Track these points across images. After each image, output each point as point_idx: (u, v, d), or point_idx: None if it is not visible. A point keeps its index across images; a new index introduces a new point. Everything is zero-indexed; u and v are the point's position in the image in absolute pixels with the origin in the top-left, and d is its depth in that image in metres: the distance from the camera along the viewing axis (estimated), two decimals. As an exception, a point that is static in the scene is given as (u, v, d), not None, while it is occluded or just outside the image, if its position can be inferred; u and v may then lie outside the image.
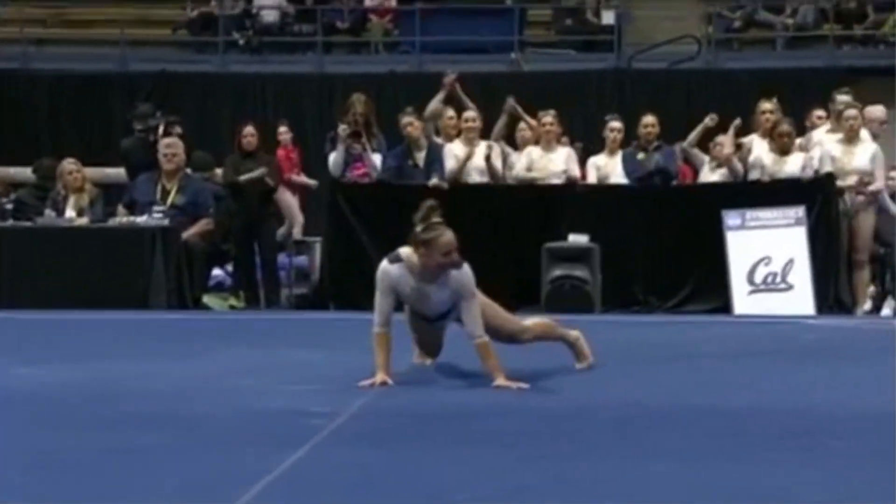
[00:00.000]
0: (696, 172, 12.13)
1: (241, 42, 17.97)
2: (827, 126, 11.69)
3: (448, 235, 6.69)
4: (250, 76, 17.17)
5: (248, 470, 4.44)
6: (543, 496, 4.18)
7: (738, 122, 11.47)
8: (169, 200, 11.67)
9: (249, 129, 12.40)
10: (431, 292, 6.75)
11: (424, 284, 6.74)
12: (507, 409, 5.95)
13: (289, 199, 13.41)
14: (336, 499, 4.14)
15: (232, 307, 12.01)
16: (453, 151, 11.72)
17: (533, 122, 11.89)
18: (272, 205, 12.46)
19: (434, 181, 11.38)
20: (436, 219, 6.75)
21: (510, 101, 12.10)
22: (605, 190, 11.64)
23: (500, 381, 6.41)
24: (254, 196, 12.14)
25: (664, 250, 11.33)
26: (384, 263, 6.89)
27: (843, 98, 11.64)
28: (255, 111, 15.20)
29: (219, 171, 12.89)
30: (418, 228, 6.70)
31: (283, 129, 13.67)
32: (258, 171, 12.07)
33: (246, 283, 12.23)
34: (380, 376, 6.51)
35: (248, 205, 12.13)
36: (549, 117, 11.72)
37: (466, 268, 6.73)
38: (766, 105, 11.57)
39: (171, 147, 11.87)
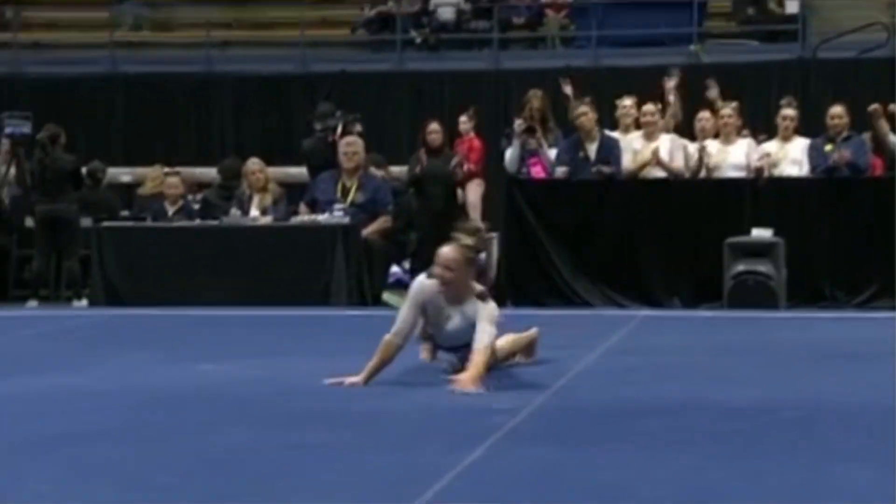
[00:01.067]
0: (887, 165, 11.69)
1: (419, 40, 18.12)
2: None
3: (445, 249, 6.59)
4: (427, 74, 17.28)
5: (429, 467, 4.45)
6: (730, 497, 4.11)
7: (875, 106, 11.05)
8: (349, 198, 11.80)
9: (434, 126, 12.46)
10: (451, 317, 6.64)
11: (448, 307, 6.63)
12: (688, 405, 5.88)
13: (473, 195, 13.25)
14: (517, 496, 4.13)
15: (407, 304, 12.08)
16: (631, 144, 11.58)
17: (584, 105, 11.59)
18: (455, 200, 12.44)
19: (600, 168, 11.27)
20: (468, 238, 6.60)
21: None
22: (788, 182, 11.34)
23: (464, 379, 6.22)
24: (437, 192, 12.20)
25: (851, 244, 10.98)
26: (421, 276, 6.79)
27: None
28: (432, 109, 15.28)
29: (393, 168, 12.99)
30: None
31: (463, 118, 13.54)
32: (456, 159, 12.06)
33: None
34: (356, 378, 6.40)
35: (432, 201, 12.22)
36: (728, 109, 11.49)
37: (492, 304, 6.66)
38: None
39: (351, 146, 12.01)
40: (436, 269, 6.54)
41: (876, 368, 7.26)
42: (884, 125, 11.26)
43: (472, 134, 13.32)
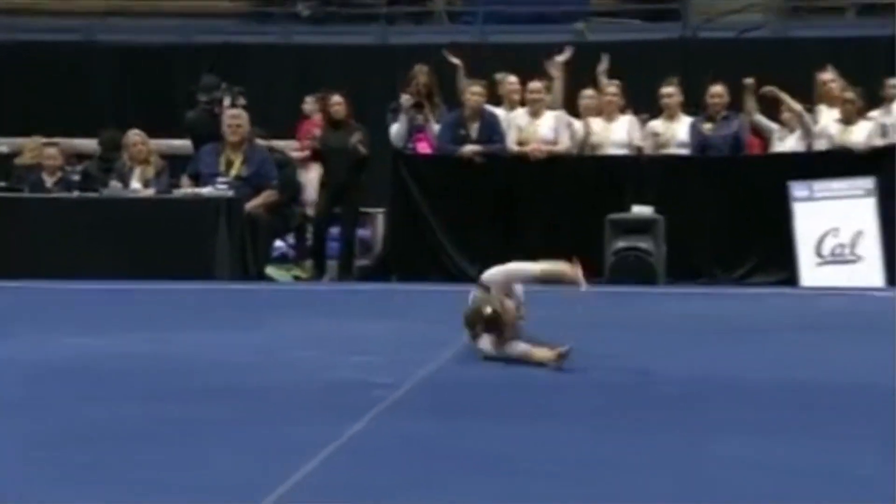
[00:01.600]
0: (764, 144, 11.95)
1: (305, 13, 17.97)
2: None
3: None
4: (313, 47, 17.15)
5: (311, 440, 4.45)
6: (617, 468, 4.19)
7: (749, 81, 11.29)
8: (233, 172, 11.69)
9: (337, 98, 12.33)
10: None
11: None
12: (571, 382, 5.95)
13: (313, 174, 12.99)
14: (396, 467, 4.17)
15: (296, 278, 12.05)
16: (516, 121, 11.66)
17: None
18: (360, 175, 12.39)
19: (468, 148, 11.34)
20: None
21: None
22: (669, 160, 11.52)
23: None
24: (342, 165, 12.15)
25: (730, 221, 11.19)
26: None
27: None
28: (317, 82, 15.16)
29: (277, 142, 12.87)
30: None
31: (309, 99, 13.27)
32: (355, 137, 12.02)
33: (318, 252, 12.27)
34: None
35: (336, 174, 12.15)
36: (612, 87, 11.63)
37: None
38: (826, 75, 11.41)
39: (235, 118, 11.88)
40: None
41: (752, 342, 7.46)
42: (752, 101, 11.49)
43: (317, 116, 13.08)
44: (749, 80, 11.35)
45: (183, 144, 13.11)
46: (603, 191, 11.29)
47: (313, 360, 6.55)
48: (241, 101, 12.30)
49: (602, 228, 11.00)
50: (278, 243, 12.62)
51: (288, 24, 17.65)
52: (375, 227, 12.80)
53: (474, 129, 11.58)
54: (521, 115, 11.69)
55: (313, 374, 6.08)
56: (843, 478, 4.06)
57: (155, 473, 4.10)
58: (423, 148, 11.84)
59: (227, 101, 12.23)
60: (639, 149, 11.45)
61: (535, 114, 11.62)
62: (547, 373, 6.13)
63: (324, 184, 12.25)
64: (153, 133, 12.77)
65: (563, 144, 11.54)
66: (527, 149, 11.48)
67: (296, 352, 6.81)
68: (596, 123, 11.60)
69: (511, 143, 11.60)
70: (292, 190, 12.39)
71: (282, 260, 12.61)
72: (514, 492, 3.87)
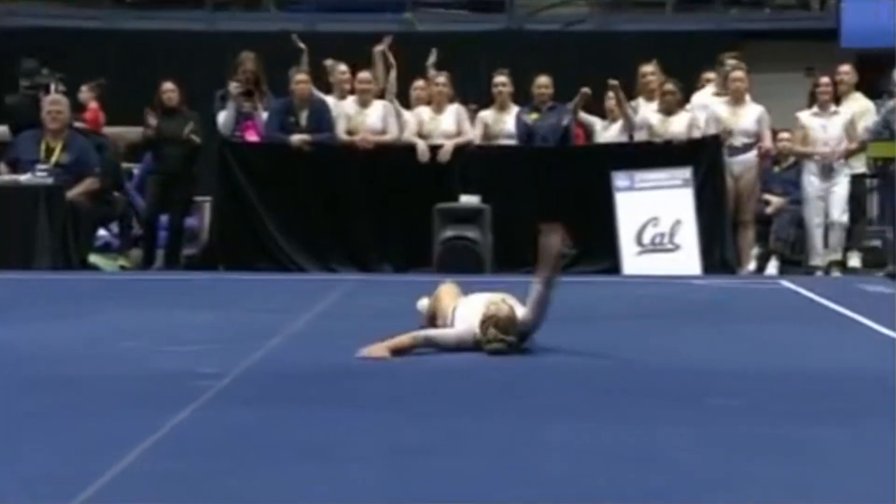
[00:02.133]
0: (587, 135, 12.20)
1: (129, -3, 17.66)
2: (712, 88, 11.85)
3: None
4: (138, 33, 16.85)
5: (132, 431, 4.41)
6: (430, 454, 4.21)
7: (586, 90, 11.57)
8: (53, 159, 11.47)
9: (169, 85, 12.15)
10: None
11: None
12: (395, 367, 5.99)
13: None
14: (219, 457, 4.15)
15: (122, 267, 11.87)
16: (345, 110, 11.66)
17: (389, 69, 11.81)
18: (192, 164, 12.23)
19: (297, 137, 11.33)
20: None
21: (386, 40, 12.16)
22: (495, 151, 11.67)
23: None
24: (173, 154, 11.95)
25: (554, 211, 11.26)
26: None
27: (731, 62, 11.81)
28: (143, 68, 14.91)
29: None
30: None
31: (84, 88, 12.95)
32: (188, 127, 11.86)
33: (148, 241, 12.09)
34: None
35: (167, 162, 11.95)
36: (441, 78, 11.73)
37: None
38: (647, 68, 11.71)
39: (55, 104, 11.66)
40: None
41: (575, 329, 7.47)
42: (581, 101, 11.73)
43: (94, 104, 12.80)
44: (613, 82, 11.49)
45: (1, 130, 12.76)
46: (432, 180, 11.37)
47: (137, 350, 6.46)
48: (61, 87, 12.04)
49: (431, 218, 11.09)
50: (102, 232, 12.41)
51: (113, 9, 17.31)
52: (203, 216, 12.69)
53: (303, 116, 11.56)
54: (350, 104, 11.70)
55: (137, 365, 5.97)
56: (659, 461, 4.14)
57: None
58: (251, 136, 11.77)
59: (52, 87, 11.96)
60: (469, 139, 11.58)
61: (364, 103, 11.65)
62: (372, 361, 6.15)
63: (154, 171, 12.04)
64: (-31, 119, 12.44)
65: (392, 134, 11.60)
66: (356, 138, 11.50)
67: (119, 342, 6.72)
68: (425, 113, 11.68)
69: (340, 133, 11.60)
70: (115, 177, 12.17)
71: (105, 249, 12.39)
72: (329, 477, 3.88)
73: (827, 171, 11.41)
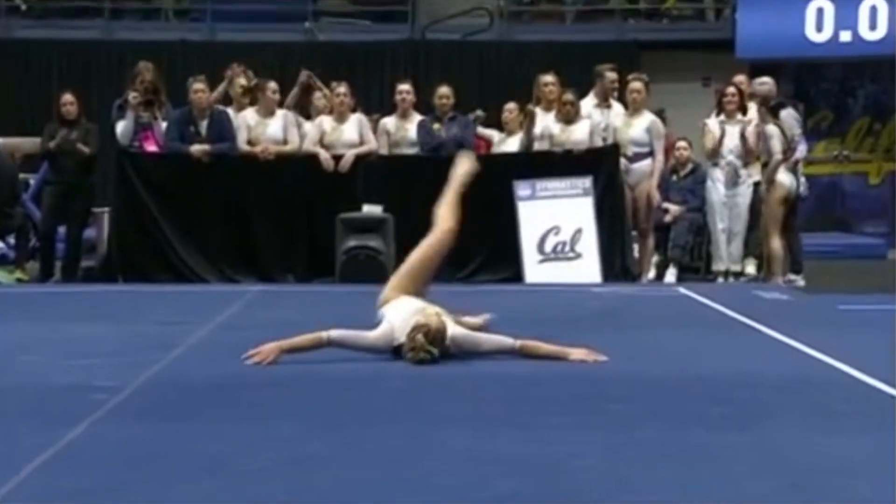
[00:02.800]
0: (488, 145, 12.28)
1: (24, 7, 17.46)
2: (592, 99, 11.95)
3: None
4: (35, 42, 16.66)
5: (24, 447, 4.39)
6: (329, 464, 4.23)
7: (479, 112, 11.68)
8: (-52, 171, 11.29)
9: (68, 97, 12.02)
10: None
11: None
12: (295, 378, 5.98)
13: None
14: (115, 474, 4.10)
15: (19, 280, 11.72)
16: (246, 121, 11.63)
17: (328, 91, 11.90)
18: (89, 175, 12.10)
19: (196, 147, 11.29)
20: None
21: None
22: (398, 160, 11.70)
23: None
24: (70, 165, 11.81)
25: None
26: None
27: (609, 74, 11.98)
28: (40, 79, 14.77)
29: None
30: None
31: None
32: (60, 135, 11.75)
33: (43, 254, 11.94)
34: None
35: (64, 173, 11.81)
36: (342, 88, 11.73)
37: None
38: (547, 77, 11.83)
39: (-51, 115, 11.47)
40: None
41: None
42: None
43: None
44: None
45: None
46: (334, 190, 11.36)
47: (32, 364, 6.41)
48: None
49: (334, 227, 11.08)
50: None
51: (8, 17, 17.09)
52: (101, 227, 12.55)
53: (203, 126, 11.49)
54: (250, 114, 11.66)
55: (31, 379, 5.92)
56: (559, 467, 4.18)
57: None
58: (150, 146, 11.68)
59: None
60: (371, 148, 11.60)
61: (266, 113, 11.61)
62: (278, 370, 6.17)
63: (51, 182, 11.95)
64: None
65: (293, 144, 11.58)
66: (256, 149, 11.45)
67: (13, 356, 6.65)
68: (327, 123, 11.68)
69: (241, 143, 11.55)
70: (13, 189, 11.98)
71: (1, 261, 12.21)
72: (228, 490, 3.90)
73: (733, 179, 11.54)
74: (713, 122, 11.67)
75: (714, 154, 11.58)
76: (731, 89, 11.68)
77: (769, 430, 4.79)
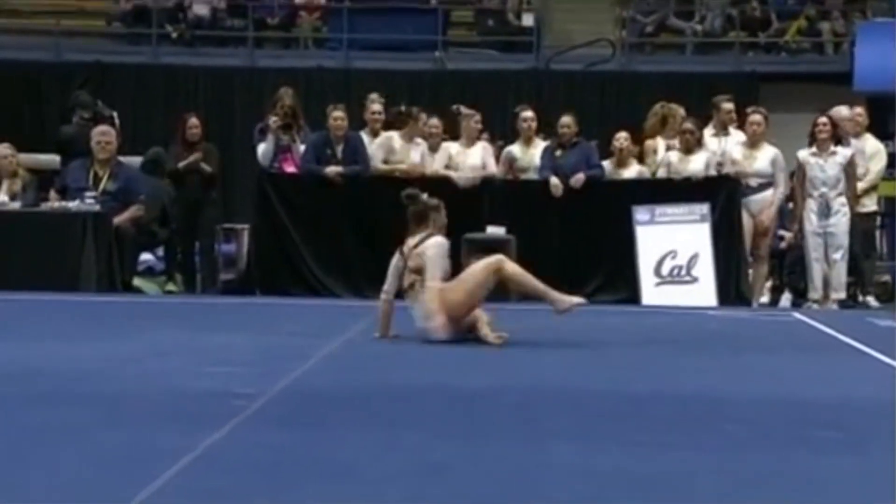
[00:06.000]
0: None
1: (174, 35, 18.19)
2: (710, 130, 12.16)
3: None
4: (182, 68, 17.35)
5: (168, 448, 4.48)
6: (449, 473, 4.30)
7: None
8: (101, 187, 11.89)
9: (194, 121, 12.75)
10: None
11: None
12: (421, 390, 6.16)
13: None
14: (253, 477, 4.18)
15: (169, 292, 12.23)
16: (391, 143, 12.01)
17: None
18: (213, 191, 12.79)
19: (331, 169, 11.75)
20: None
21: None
22: (521, 184, 12.07)
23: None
24: (194, 183, 12.47)
25: (577, 243, 11.71)
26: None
27: (726, 105, 12.15)
28: (186, 103, 15.40)
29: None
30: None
31: None
32: (193, 157, 12.45)
33: (185, 267, 12.55)
34: None
35: (189, 192, 12.46)
36: (476, 116, 12.17)
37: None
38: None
39: (104, 135, 12.11)
40: None
41: (590, 356, 7.79)
42: None
43: None
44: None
45: (50, 159, 13.27)
46: (459, 211, 11.73)
47: (174, 369, 6.54)
48: (115, 118, 12.57)
49: (459, 247, 11.46)
50: (145, 256, 12.84)
51: (158, 45, 17.83)
52: (241, 243, 13.08)
53: (339, 150, 11.99)
54: (396, 138, 12.05)
55: (174, 384, 6.04)
56: (664, 484, 4.22)
57: (7, 478, 4.08)
58: (289, 167, 12.17)
59: (115, 120, 12.48)
60: (492, 173, 12.00)
61: (408, 138, 12.05)
62: (404, 383, 6.36)
63: (179, 200, 12.55)
64: (22, 148, 12.93)
65: (431, 168, 12.00)
66: (399, 167, 11.82)
67: (156, 361, 6.80)
68: (453, 148, 12.11)
69: (378, 163, 11.97)
70: (162, 209, 12.51)
71: (148, 273, 12.83)
72: (351, 496, 3.97)
73: (824, 210, 11.61)
74: (804, 155, 11.67)
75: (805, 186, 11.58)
76: (823, 119, 11.62)
77: (880, 455, 4.74)
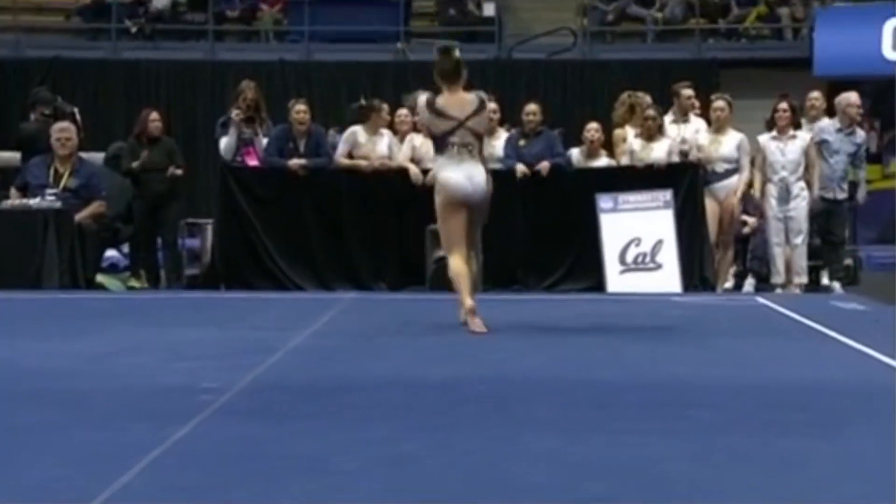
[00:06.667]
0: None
1: (134, 29, 18.11)
2: (671, 116, 12.25)
3: None
4: (143, 63, 17.29)
5: (135, 445, 4.50)
6: (421, 464, 4.33)
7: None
8: (62, 184, 11.83)
9: (154, 115, 12.70)
10: None
11: None
12: (389, 381, 6.14)
13: None
14: (221, 472, 4.19)
15: (131, 288, 12.20)
16: (356, 137, 12.01)
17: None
18: (177, 187, 12.73)
19: (295, 161, 11.73)
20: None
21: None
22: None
23: None
24: (157, 179, 12.41)
25: (542, 232, 11.77)
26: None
27: (686, 91, 12.25)
28: (147, 97, 15.35)
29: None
30: None
31: None
32: (142, 156, 12.40)
33: (148, 263, 12.50)
34: None
35: (152, 187, 12.40)
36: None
37: None
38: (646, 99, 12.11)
39: (65, 132, 12.04)
40: None
41: (559, 344, 7.79)
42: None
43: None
44: None
45: (11, 157, 13.18)
46: (424, 202, 11.74)
47: (139, 365, 6.53)
48: (76, 114, 12.50)
49: (424, 238, 11.47)
50: (109, 253, 12.79)
51: (118, 39, 17.75)
52: (205, 238, 13.06)
53: (302, 143, 11.98)
54: (360, 131, 12.06)
55: (139, 380, 6.05)
56: (638, 470, 4.25)
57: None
58: (252, 161, 12.16)
59: (77, 116, 12.41)
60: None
61: (374, 132, 12.06)
62: (371, 374, 6.36)
63: (140, 197, 12.48)
64: (-21, 145, 12.86)
65: (398, 160, 11.97)
66: (361, 163, 11.84)
67: (122, 358, 6.79)
68: (417, 140, 12.10)
69: (340, 157, 11.96)
70: (124, 204, 12.49)
71: (112, 270, 12.78)
72: (323, 489, 4.00)
73: (784, 194, 11.71)
74: (764, 139, 11.78)
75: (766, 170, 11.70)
76: (783, 105, 11.73)
77: (849, 437, 4.83)
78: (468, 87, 8.32)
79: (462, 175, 8.16)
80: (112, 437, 4.72)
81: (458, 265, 8.16)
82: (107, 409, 5.33)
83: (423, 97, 8.36)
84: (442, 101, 8.22)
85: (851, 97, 12.26)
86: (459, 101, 8.21)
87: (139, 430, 4.81)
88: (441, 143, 8.28)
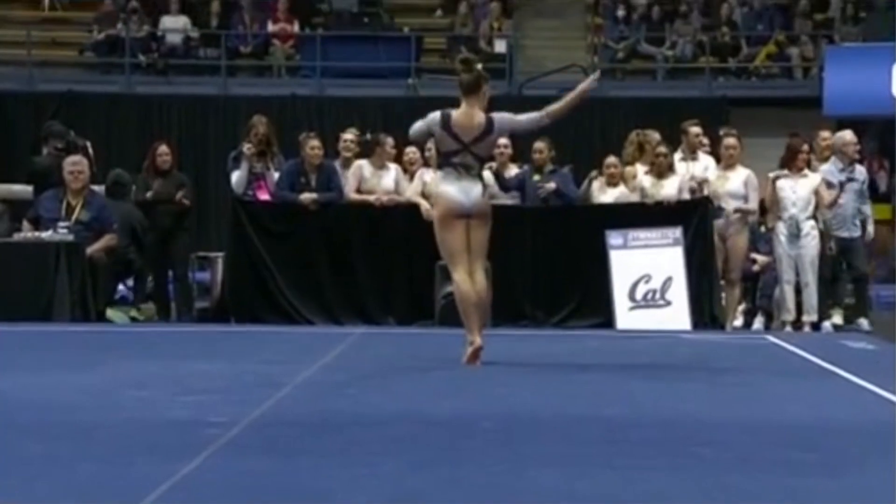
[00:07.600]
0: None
1: (146, 64, 18.22)
2: (680, 154, 12.24)
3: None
4: (155, 97, 17.38)
5: (142, 479, 4.49)
6: (432, 500, 4.32)
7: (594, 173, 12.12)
8: (74, 217, 11.89)
9: (164, 149, 12.76)
10: None
11: None
12: (397, 416, 6.16)
13: None
14: None
15: (133, 319, 12.23)
16: (362, 171, 12.07)
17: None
18: (185, 220, 12.79)
19: (306, 196, 11.78)
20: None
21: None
22: (495, 209, 12.05)
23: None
24: (166, 212, 12.48)
25: (551, 268, 11.77)
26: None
27: (694, 129, 12.28)
28: (160, 131, 15.42)
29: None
30: None
31: None
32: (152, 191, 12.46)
33: (158, 296, 12.54)
34: None
35: (161, 221, 12.47)
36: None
37: None
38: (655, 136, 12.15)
39: (77, 165, 12.10)
40: None
41: (567, 380, 7.81)
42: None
43: None
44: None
45: (23, 190, 13.24)
46: (433, 238, 11.76)
47: (148, 399, 6.54)
48: (89, 148, 12.58)
49: (433, 274, 11.47)
50: (120, 286, 12.83)
51: (131, 74, 17.86)
52: (215, 271, 13.09)
53: (313, 178, 12.02)
54: (365, 165, 12.11)
55: (148, 414, 6.06)
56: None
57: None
58: (263, 195, 12.19)
59: (89, 150, 12.48)
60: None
61: (380, 166, 12.10)
62: (378, 409, 6.38)
63: (151, 229, 12.52)
64: (-7, 178, 12.93)
65: (405, 195, 12.02)
66: (370, 198, 11.91)
67: (131, 391, 6.78)
68: (427, 175, 12.12)
69: (350, 192, 12.01)
70: (133, 234, 12.49)
71: (122, 302, 12.81)
72: None
73: (794, 232, 11.70)
74: (775, 176, 11.76)
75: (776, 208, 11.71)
76: (806, 147, 11.75)
77: (857, 476, 4.84)
78: (489, 108, 8.28)
79: (458, 188, 8.26)
80: (119, 471, 4.71)
81: (464, 285, 8.23)
82: (115, 443, 5.33)
83: (437, 112, 8.39)
84: (455, 118, 8.28)
85: (846, 136, 12.31)
86: (469, 123, 8.29)
87: (146, 463, 4.81)
88: (444, 161, 8.41)
